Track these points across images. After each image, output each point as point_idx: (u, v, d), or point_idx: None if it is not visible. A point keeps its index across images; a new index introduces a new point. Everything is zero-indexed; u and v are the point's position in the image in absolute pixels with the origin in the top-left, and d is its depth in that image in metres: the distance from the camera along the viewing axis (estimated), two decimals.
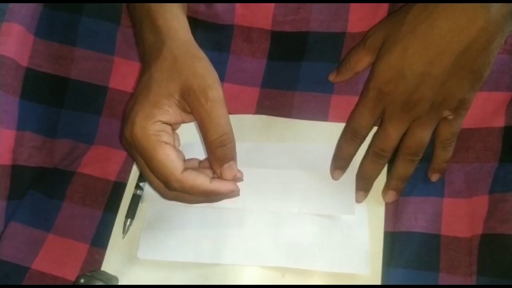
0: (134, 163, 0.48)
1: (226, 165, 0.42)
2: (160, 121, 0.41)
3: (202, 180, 0.41)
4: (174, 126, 0.43)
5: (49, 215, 0.48)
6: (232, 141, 0.42)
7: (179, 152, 0.42)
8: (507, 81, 0.45)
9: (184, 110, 0.42)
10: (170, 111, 0.41)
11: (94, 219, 0.48)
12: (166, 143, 0.40)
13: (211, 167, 0.43)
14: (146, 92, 0.41)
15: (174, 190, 0.42)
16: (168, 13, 0.44)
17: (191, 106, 0.41)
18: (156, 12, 0.43)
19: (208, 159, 0.43)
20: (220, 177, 0.42)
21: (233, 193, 0.43)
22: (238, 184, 0.43)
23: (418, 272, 0.43)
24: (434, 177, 0.45)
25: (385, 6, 0.49)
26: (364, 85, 0.45)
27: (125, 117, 0.42)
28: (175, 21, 0.44)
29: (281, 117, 0.49)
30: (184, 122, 0.43)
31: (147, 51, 0.43)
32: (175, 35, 0.43)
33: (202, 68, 0.41)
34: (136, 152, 0.41)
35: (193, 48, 0.43)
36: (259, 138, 0.49)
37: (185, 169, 0.41)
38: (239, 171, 0.44)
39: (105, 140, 0.51)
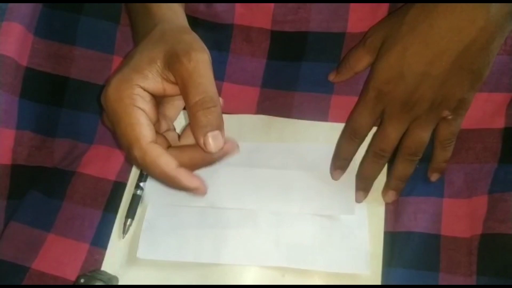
0: None
1: (210, 134, 0.36)
2: (137, 85, 0.36)
3: (166, 161, 0.36)
4: (156, 97, 0.39)
5: (49, 215, 0.48)
6: (217, 105, 0.36)
7: (151, 123, 0.37)
8: (506, 82, 0.45)
9: (167, 79, 0.38)
10: (149, 77, 0.37)
11: (94, 219, 0.48)
12: (139, 108, 0.36)
13: (194, 137, 0.37)
14: (128, 60, 0.38)
15: (133, 161, 0.37)
16: (164, 5, 0.43)
17: (174, 71, 0.36)
18: (152, 4, 0.43)
19: (190, 127, 0.38)
20: (203, 148, 0.36)
21: (197, 191, 0.38)
22: (240, 184, 0.42)
23: (418, 272, 0.43)
24: (434, 177, 0.45)
25: (385, 6, 0.49)
26: (364, 85, 0.45)
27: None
28: (170, 11, 0.43)
29: (281, 117, 0.49)
30: (165, 93, 0.38)
31: (140, 36, 0.42)
32: (169, 20, 0.42)
33: (189, 37, 0.38)
34: (108, 118, 0.38)
35: (184, 28, 0.41)
36: (259, 138, 0.49)
37: (155, 143, 0.36)
38: (231, 141, 0.38)
39: (105, 139, 0.51)
